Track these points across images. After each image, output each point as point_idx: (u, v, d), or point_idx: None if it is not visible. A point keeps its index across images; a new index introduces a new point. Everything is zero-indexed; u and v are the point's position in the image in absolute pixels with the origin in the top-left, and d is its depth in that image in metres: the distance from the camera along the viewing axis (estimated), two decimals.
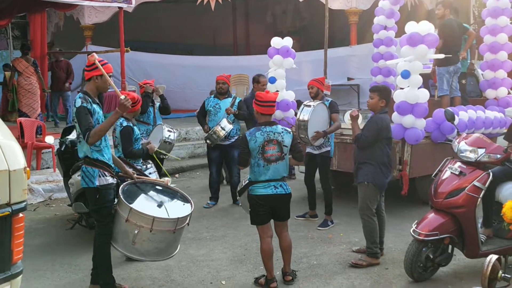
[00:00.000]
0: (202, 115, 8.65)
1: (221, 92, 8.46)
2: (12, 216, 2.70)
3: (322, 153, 7.42)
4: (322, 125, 7.08)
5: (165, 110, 8.31)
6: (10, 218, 2.70)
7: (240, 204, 6.62)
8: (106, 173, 5.13)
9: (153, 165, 6.82)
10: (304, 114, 6.84)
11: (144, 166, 6.60)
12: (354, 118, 6.20)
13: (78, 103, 4.99)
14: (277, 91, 8.83)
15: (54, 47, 15.74)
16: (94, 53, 5.25)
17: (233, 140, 8.39)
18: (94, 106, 5.06)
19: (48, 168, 10.41)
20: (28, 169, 2.86)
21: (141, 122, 7.77)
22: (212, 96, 8.65)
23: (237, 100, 8.50)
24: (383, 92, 5.96)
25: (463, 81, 9.56)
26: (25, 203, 2.74)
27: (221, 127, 8.07)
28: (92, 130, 4.90)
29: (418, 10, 17.29)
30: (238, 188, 5.92)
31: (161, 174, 7.35)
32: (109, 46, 14.99)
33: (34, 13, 12.13)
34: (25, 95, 11.33)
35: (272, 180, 5.32)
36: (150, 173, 6.53)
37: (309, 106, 6.89)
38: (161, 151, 7.31)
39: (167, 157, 7.76)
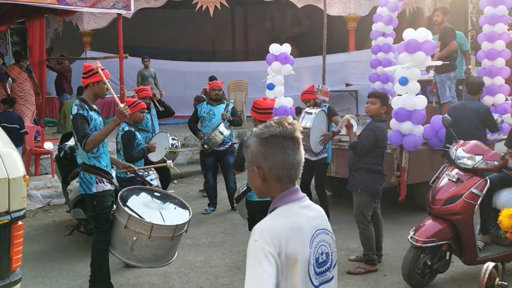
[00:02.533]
0: (195, 122, 8.69)
1: (217, 98, 8.51)
2: (11, 224, 2.71)
3: (320, 160, 7.43)
4: (321, 132, 7.08)
5: (167, 112, 8.33)
6: (9, 226, 2.71)
7: (237, 210, 6.63)
8: (103, 179, 5.15)
9: (154, 171, 6.84)
10: (306, 122, 6.77)
11: (146, 173, 6.62)
12: (349, 128, 6.21)
13: (74, 110, 5.02)
14: (276, 97, 8.87)
15: (54, 53, 15.78)
16: (98, 61, 5.27)
17: (227, 146, 8.44)
18: (91, 113, 5.08)
19: (46, 174, 10.42)
20: (27, 176, 2.88)
21: (140, 130, 7.79)
22: (205, 102, 8.69)
23: (230, 107, 8.56)
24: (384, 99, 5.94)
25: (460, 87, 9.58)
26: (24, 211, 2.76)
27: (220, 132, 8.11)
28: (89, 137, 4.92)
29: (416, 17, 17.34)
30: (236, 195, 5.93)
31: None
32: (108, 52, 15.02)
33: (33, 19, 12.15)
34: (18, 101, 11.34)
35: None
36: (151, 180, 6.55)
37: (311, 113, 6.85)
38: (162, 162, 7.38)
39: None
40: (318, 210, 2.28)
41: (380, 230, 6.25)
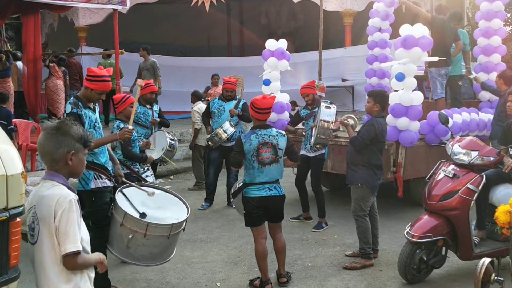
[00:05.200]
0: (207, 116, 8.69)
1: (229, 99, 8.50)
2: (9, 220, 2.73)
3: (317, 156, 7.46)
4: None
5: (161, 124, 8.27)
6: (7, 223, 2.72)
7: (234, 206, 6.64)
8: (102, 176, 5.16)
9: (150, 168, 6.85)
10: (329, 116, 6.76)
11: (142, 169, 6.62)
12: (346, 124, 6.26)
13: (68, 109, 5.08)
14: (271, 93, 8.85)
15: (48, 49, 15.77)
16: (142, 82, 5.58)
17: (234, 142, 8.41)
18: (85, 111, 5.10)
19: (42, 169, 10.38)
20: (25, 173, 2.89)
21: (140, 125, 7.79)
22: (217, 97, 8.71)
23: (242, 102, 8.53)
24: (378, 97, 6.04)
25: (459, 83, 9.59)
26: (22, 207, 2.77)
27: (223, 130, 8.11)
28: None
29: (412, 12, 17.30)
30: (232, 190, 5.95)
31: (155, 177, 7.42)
32: (103, 48, 14.98)
33: (28, 15, 12.08)
34: (51, 96, 12.53)
35: (267, 183, 5.36)
36: (147, 176, 6.56)
37: (330, 107, 6.85)
38: (165, 158, 7.43)
39: (168, 163, 7.85)
40: (41, 193, 2.89)
41: (377, 224, 6.30)
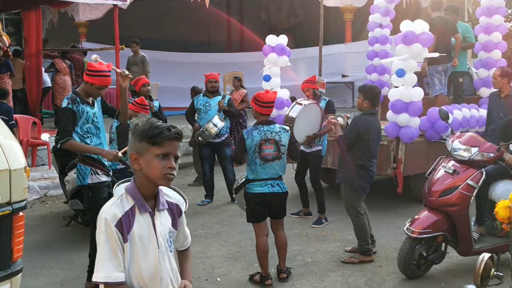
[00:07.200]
0: (191, 114, 8.69)
1: (213, 90, 8.50)
2: (12, 215, 2.74)
3: (313, 152, 7.46)
4: (313, 126, 7.03)
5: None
6: (10, 217, 2.74)
7: (236, 202, 6.64)
8: (98, 171, 5.20)
9: None
10: (293, 112, 6.71)
11: None
12: (335, 124, 6.19)
13: (64, 103, 5.11)
14: (272, 89, 8.85)
15: (49, 44, 15.76)
16: (97, 56, 5.37)
17: (223, 138, 8.45)
18: (83, 106, 5.12)
19: (43, 165, 10.42)
20: (28, 168, 2.90)
21: None
22: (201, 94, 8.69)
23: (227, 98, 8.56)
24: (367, 93, 5.90)
25: (460, 80, 9.59)
26: (25, 202, 2.79)
27: (213, 124, 8.11)
28: (72, 140, 5.02)
29: (413, 8, 17.31)
30: (234, 186, 5.95)
31: None
32: (103, 43, 14.98)
33: (28, 10, 12.07)
34: (58, 91, 12.48)
35: (269, 179, 5.36)
36: None
37: (301, 104, 6.83)
38: None
39: None
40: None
41: (368, 222, 6.23)
